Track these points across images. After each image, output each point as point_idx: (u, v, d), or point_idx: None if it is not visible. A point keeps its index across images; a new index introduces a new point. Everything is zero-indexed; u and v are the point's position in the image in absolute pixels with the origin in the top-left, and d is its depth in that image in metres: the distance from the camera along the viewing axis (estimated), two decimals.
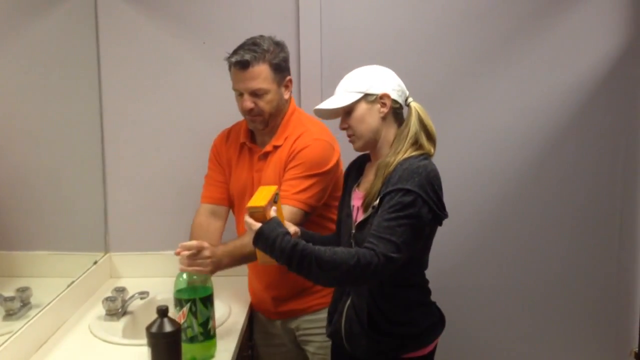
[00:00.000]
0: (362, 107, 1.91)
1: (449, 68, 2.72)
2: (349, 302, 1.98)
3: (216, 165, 2.40)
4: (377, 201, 1.83)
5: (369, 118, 1.91)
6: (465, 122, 2.75)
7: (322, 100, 2.02)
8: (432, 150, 1.93)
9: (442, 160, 2.73)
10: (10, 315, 2.01)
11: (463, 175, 2.78)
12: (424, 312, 1.99)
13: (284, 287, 2.33)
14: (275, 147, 2.26)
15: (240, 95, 2.21)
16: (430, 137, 1.93)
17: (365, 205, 1.88)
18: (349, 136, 1.96)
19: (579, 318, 2.88)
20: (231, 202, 2.40)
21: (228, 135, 2.41)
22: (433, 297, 2.05)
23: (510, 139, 2.77)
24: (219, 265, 2.01)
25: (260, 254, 1.83)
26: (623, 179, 2.78)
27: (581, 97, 2.73)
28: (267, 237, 1.75)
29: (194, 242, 1.97)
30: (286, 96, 2.27)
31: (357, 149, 1.99)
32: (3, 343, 1.87)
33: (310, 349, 2.39)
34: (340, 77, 2.65)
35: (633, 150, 2.76)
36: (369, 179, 1.93)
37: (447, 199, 2.73)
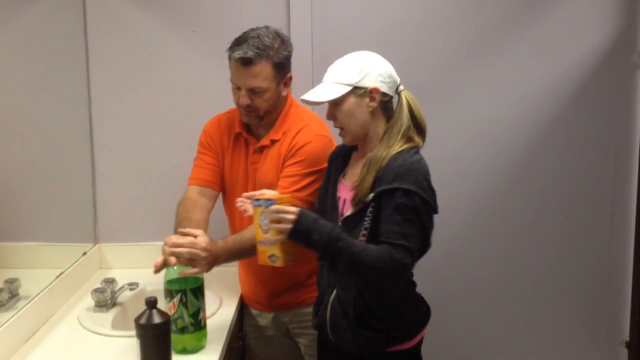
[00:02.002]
0: (351, 101, 1.87)
1: (440, 58, 2.72)
2: (334, 294, 1.96)
3: (207, 149, 2.35)
4: (371, 197, 1.82)
5: (358, 112, 1.88)
6: (456, 113, 2.75)
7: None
8: (422, 144, 1.92)
9: (433, 152, 2.72)
10: None
11: (453, 166, 2.78)
12: (410, 305, 1.98)
13: (278, 281, 2.32)
14: (273, 141, 2.23)
15: (237, 88, 2.17)
16: (421, 130, 1.92)
17: (357, 201, 1.86)
18: (337, 128, 1.95)
19: (570, 308, 2.89)
20: (222, 187, 2.37)
21: (219, 122, 2.37)
22: (423, 290, 2.04)
23: (501, 130, 2.77)
24: (215, 263, 1.98)
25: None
26: (614, 169, 2.79)
27: (572, 87, 2.73)
28: (309, 219, 1.77)
29: (188, 239, 1.94)
30: (284, 93, 2.23)
31: (346, 143, 1.98)
32: None
33: (303, 341, 2.39)
34: None
35: (624, 140, 2.76)
36: (357, 172, 1.90)
37: (437, 191, 2.74)
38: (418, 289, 2.03)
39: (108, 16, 2.64)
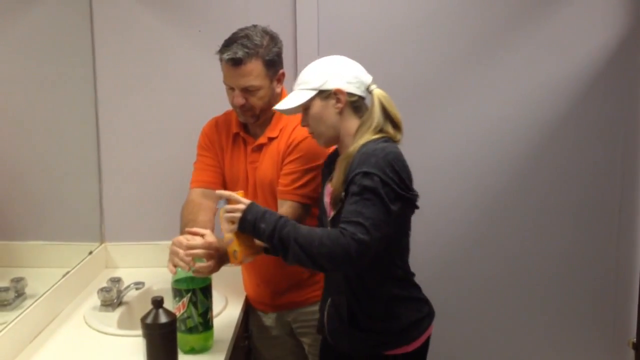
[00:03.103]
0: (317, 104, 1.90)
1: (446, 57, 2.71)
2: (329, 300, 1.98)
3: (207, 150, 2.35)
4: (344, 194, 1.82)
5: (325, 115, 1.90)
6: (462, 112, 2.74)
7: None
8: (398, 137, 1.91)
9: (439, 151, 2.76)
10: (4, 305, 2.00)
11: (460, 166, 2.77)
12: (408, 307, 1.94)
13: (281, 279, 2.32)
14: (270, 139, 2.23)
15: (231, 89, 2.17)
16: (396, 126, 1.91)
17: (334, 202, 1.87)
18: (311, 133, 1.97)
19: (577, 309, 2.88)
20: (223, 188, 2.36)
21: (217, 123, 2.38)
22: (428, 292, 2.03)
23: (508, 130, 2.76)
24: (222, 262, 1.97)
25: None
26: (622, 169, 2.77)
27: (580, 87, 2.72)
28: (257, 210, 1.78)
29: (199, 239, 1.94)
30: (278, 90, 2.22)
31: (322, 146, 2.00)
32: None
33: (307, 340, 2.38)
34: None
35: (632, 140, 2.75)
36: (337, 174, 1.91)
37: (443, 190, 2.73)
38: (424, 290, 2.02)
39: (115, 15, 2.64)
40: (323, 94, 1.89)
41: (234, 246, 1.84)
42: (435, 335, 2.03)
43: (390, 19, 2.68)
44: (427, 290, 2.03)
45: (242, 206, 1.80)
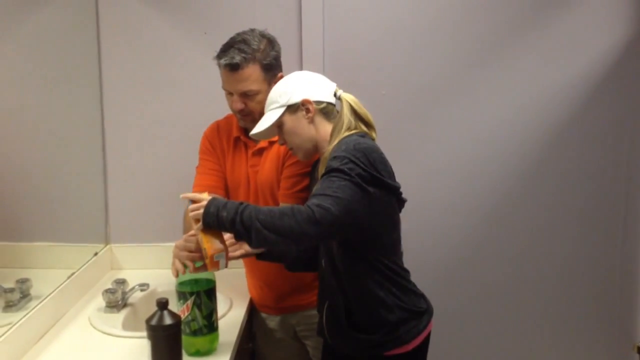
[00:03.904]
0: (289, 119, 1.94)
1: (451, 60, 2.71)
2: (326, 303, 2.00)
3: (209, 155, 2.36)
4: None
5: (299, 127, 1.94)
6: (469, 115, 2.74)
7: None
8: (373, 134, 1.94)
9: (445, 153, 2.76)
10: (9, 306, 2.00)
11: (466, 169, 2.77)
12: (402, 305, 1.92)
13: (284, 283, 2.32)
14: (271, 143, 2.23)
15: (230, 94, 2.18)
16: (368, 125, 1.94)
17: None
18: (290, 150, 1.99)
19: (582, 313, 2.88)
20: (226, 191, 2.37)
21: (218, 127, 2.39)
22: (432, 294, 2.03)
23: (513, 133, 2.75)
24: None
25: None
26: (627, 173, 2.76)
27: (585, 90, 2.71)
28: (219, 202, 1.74)
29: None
30: None
31: (302, 159, 2.03)
32: (2, 335, 1.87)
33: (310, 343, 2.39)
34: (343, 68, 2.63)
35: (638, 144, 2.73)
36: (319, 174, 1.91)
37: (448, 193, 2.73)
38: (426, 291, 2.02)
39: (121, 17, 2.65)
40: (291, 108, 1.94)
41: (203, 244, 1.78)
42: (438, 338, 2.03)
43: (396, 21, 2.68)
44: (431, 293, 2.04)
45: (203, 202, 1.78)
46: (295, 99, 1.92)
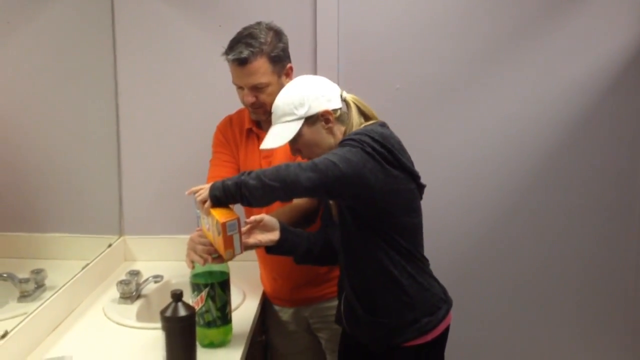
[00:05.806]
0: (307, 131, 1.89)
1: (464, 57, 2.70)
2: (345, 292, 2.00)
3: (222, 148, 2.37)
4: None
5: (319, 138, 1.91)
6: (481, 112, 2.73)
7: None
8: None
9: (458, 151, 2.74)
10: (24, 297, 2.02)
11: (479, 167, 2.77)
12: (421, 295, 1.91)
13: (299, 275, 2.31)
14: None
15: (240, 88, 2.19)
16: (373, 119, 1.94)
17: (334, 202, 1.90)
18: (306, 159, 1.93)
19: (596, 312, 2.86)
20: None
21: (231, 120, 2.40)
22: (448, 289, 2.02)
23: (527, 131, 2.74)
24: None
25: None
26: None
27: (600, 88, 2.70)
28: (221, 180, 1.77)
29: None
30: (286, 84, 2.23)
31: None
32: (17, 325, 1.88)
33: (323, 336, 2.39)
34: (358, 65, 2.61)
35: None
36: None
37: (462, 191, 2.71)
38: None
39: (136, 11, 2.65)
40: (309, 120, 1.88)
41: (216, 216, 1.74)
42: (454, 334, 2.02)
43: (411, 15, 2.67)
44: (447, 289, 2.03)
45: (205, 186, 1.80)
46: (314, 110, 1.87)
